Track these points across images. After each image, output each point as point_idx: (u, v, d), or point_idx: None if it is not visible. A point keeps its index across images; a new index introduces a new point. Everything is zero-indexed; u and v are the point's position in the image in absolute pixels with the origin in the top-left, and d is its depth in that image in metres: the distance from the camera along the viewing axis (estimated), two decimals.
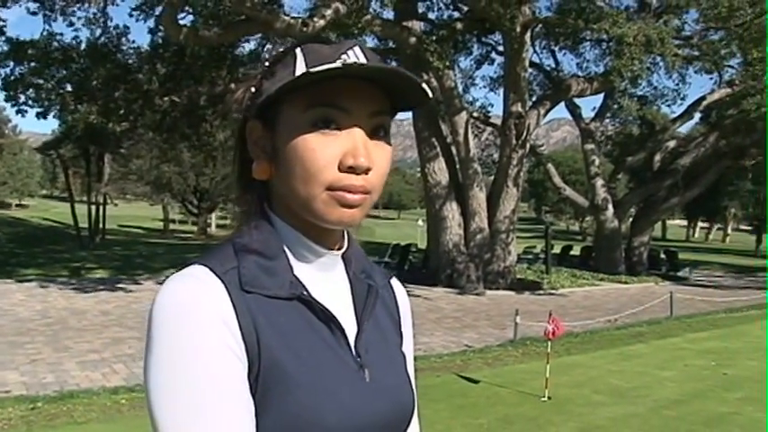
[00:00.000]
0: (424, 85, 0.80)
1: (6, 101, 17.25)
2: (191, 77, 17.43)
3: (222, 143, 20.75)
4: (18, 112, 17.22)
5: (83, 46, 17.18)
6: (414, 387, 0.93)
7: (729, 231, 66.72)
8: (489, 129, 23.30)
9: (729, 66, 20.17)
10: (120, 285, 14.32)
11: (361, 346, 0.85)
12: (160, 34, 16.91)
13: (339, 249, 0.89)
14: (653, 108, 24.48)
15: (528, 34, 16.60)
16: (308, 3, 18.24)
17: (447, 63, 16.07)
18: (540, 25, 18.47)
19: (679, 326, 11.42)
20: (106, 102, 17.51)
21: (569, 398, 6.32)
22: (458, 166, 17.25)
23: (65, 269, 17.36)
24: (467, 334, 10.49)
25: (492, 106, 23.07)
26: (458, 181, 17.14)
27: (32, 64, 16.81)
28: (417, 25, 17.00)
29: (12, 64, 16.69)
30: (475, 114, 20.78)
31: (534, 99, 20.09)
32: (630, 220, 25.11)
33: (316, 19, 13.61)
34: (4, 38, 16.20)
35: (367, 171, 0.79)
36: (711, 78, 21.84)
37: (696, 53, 19.32)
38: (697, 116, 25.01)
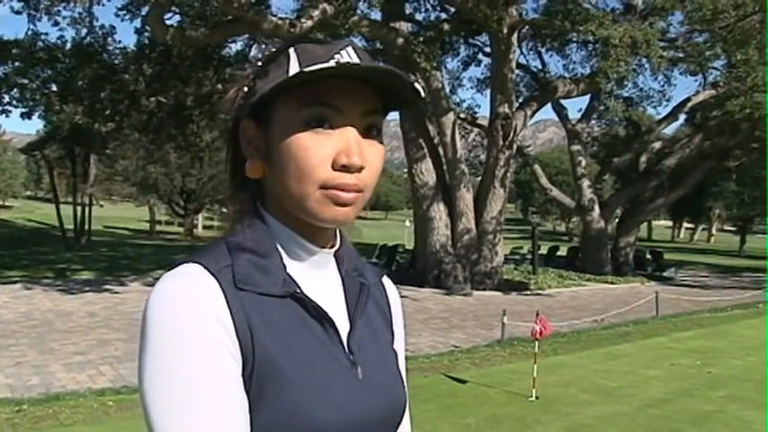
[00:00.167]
0: (417, 85, 0.81)
1: None
2: (177, 78, 17.31)
3: (209, 144, 20.66)
4: (2, 112, 17.01)
5: (68, 46, 16.98)
6: (405, 384, 0.94)
7: (714, 232, 67.28)
8: (476, 130, 23.37)
9: (714, 67, 20.42)
10: (107, 287, 14.20)
11: (353, 344, 0.86)
12: (147, 34, 16.77)
13: (332, 248, 0.90)
14: (639, 109, 24.71)
15: (515, 36, 16.66)
16: (295, 3, 18.24)
17: (434, 64, 16.09)
18: (527, 27, 18.59)
19: (665, 325, 11.51)
20: (92, 102, 17.33)
21: (557, 397, 6.36)
22: (445, 167, 17.28)
23: (50, 271, 17.21)
24: (454, 334, 10.51)
25: (479, 107, 23.35)
26: (445, 182, 17.17)
27: (17, 64, 16.59)
28: (405, 26, 17.04)
29: None
30: (462, 115, 20.83)
31: (521, 100, 20.16)
32: (617, 220, 25.25)
33: (303, 20, 13.59)
34: None
35: (360, 170, 0.80)
36: (696, 80, 22.18)
37: (681, 55, 19.53)
38: (682, 117, 25.23)
